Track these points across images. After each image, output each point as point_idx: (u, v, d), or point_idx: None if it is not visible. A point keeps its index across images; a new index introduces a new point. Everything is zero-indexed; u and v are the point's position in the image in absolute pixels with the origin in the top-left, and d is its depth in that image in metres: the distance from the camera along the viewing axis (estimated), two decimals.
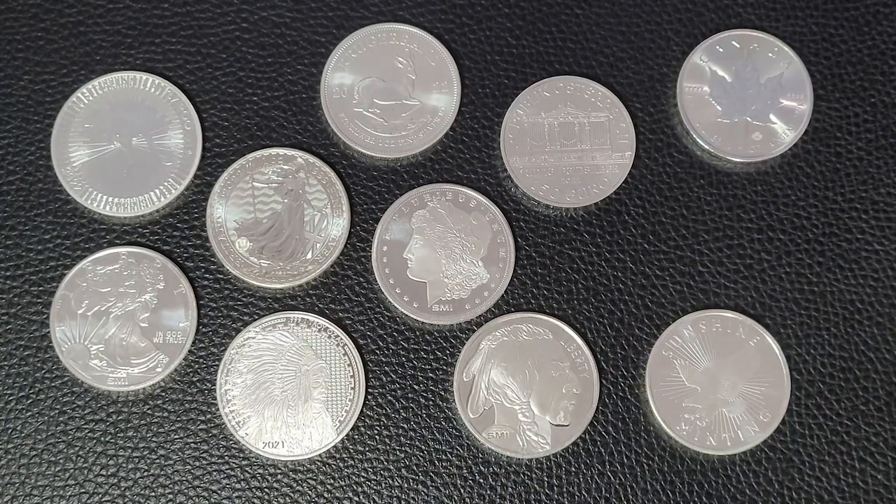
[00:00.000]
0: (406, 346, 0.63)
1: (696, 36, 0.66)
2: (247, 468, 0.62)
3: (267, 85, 0.65)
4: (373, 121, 0.65)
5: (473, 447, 0.62)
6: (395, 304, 0.63)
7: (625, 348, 0.63)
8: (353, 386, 0.62)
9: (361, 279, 0.64)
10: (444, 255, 0.63)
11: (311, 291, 0.63)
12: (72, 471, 0.61)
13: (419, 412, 0.62)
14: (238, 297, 0.63)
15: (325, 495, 0.61)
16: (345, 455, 0.62)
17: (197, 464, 0.62)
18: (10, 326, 0.63)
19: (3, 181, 0.64)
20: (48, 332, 0.62)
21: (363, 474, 0.62)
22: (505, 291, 0.63)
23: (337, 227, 0.64)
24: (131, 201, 0.64)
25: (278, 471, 0.62)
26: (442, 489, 0.62)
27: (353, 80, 0.65)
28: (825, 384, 0.63)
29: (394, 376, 0.63)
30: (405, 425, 0.62)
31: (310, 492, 0.62)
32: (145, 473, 0.61)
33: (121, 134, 0.64)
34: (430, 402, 0.62)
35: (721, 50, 0.66)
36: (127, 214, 0.64)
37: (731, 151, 0.65)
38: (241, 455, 0.62)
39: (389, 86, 0.65)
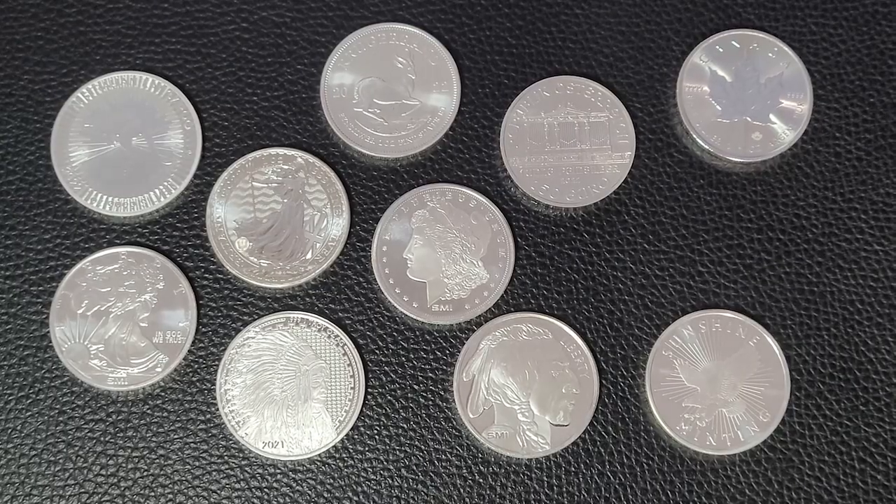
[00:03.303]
0: (406, 346, 0.63)
1: (696, 36, 0.66)
2: (246, 468, 0.62)
3: (267, 85, 0.65)
4: (373, 121, 0.65)
5: (473, 447, 0.62)
6: (395, 304, 0.63)
7: (625, 348, 0.63)
8: (352, 386, 0.62)
9: (361, 279, 0.64)
10: (444, 255, 0.63)
11: (310, 291, 0.63)
12: (71, 470, 0.61)
13: (419, 412, 0.62)
14: (238, 297, 0.63)
15: (325, 495, 0.61)
16: (344, 455, 0.62)
17: (197, 464, 0.62)
18: (9, 326, 0.63)
19: (3, 181, 0.64)
20: (48, 332, 0.62)
21: (363, 474, 0.62)
22: (505, 291, 0.63)
23: (337, 226, 0.64)
24: (131, 201, 0.64)
25: (278, 471, 0.62)
26: (442, 489, 0.62)
27: (353, 80, 0.65)
28: (825, 384, 0.63)
29: (394, 376, 0.63)
30: (405, 425, 0.62)
31: (309, 492, 0.61)
32: (145, 473, 0.61)
33: (121, 134, 0.64)
34: (430, 402, 0.62)
35: (721, 50, 0.66)
36: (127, 214, 0.63)
37: (731, 151, 0.65)
38: (241, 455, 0.62)
39: (389, 86, 0.65)
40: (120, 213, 0.63)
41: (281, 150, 0.64)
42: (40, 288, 0.63)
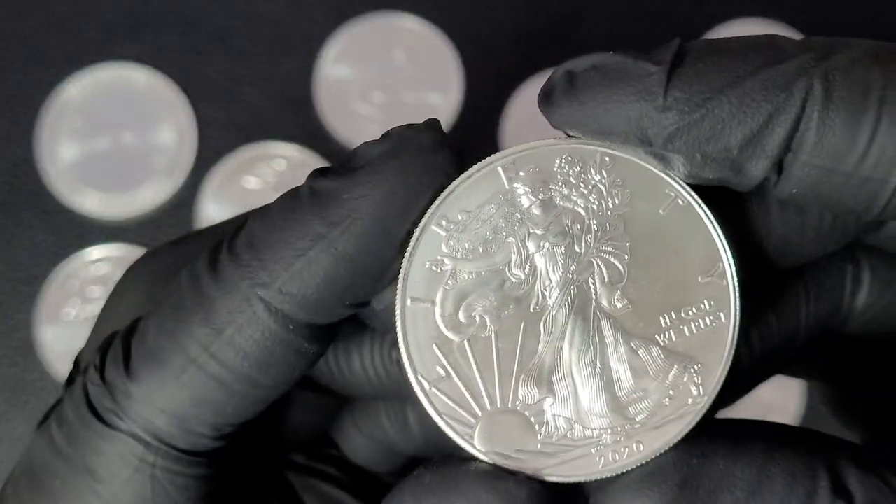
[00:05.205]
0: None
1: (696, 34, 0.66)
2: None
3: (262, 79, 0.64)
4: (370, 116, 0.64)
5: None
6: None
7: None
8: None
9: None
10: None
11: None
12: None
13: None
14: None
15: None
16: None
17: None
18: None
19: None
20: (36, 334, 0.61)
21: None
22: None
23: None
24: (122, 199, 0.63)
25: None
26: None
27: (351, 75, 0.64)
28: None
29: None
30: None
31: None
32: None
33: (112, 130, 0.63)
34: None
35: None
36: (118, 213, 0.62)
37: None
38: None
39: (387, 80, 0.65)
40: (111, 212, 0.62)
41: (277, 146, 0.63)
42: (29, 288, 0.62)
